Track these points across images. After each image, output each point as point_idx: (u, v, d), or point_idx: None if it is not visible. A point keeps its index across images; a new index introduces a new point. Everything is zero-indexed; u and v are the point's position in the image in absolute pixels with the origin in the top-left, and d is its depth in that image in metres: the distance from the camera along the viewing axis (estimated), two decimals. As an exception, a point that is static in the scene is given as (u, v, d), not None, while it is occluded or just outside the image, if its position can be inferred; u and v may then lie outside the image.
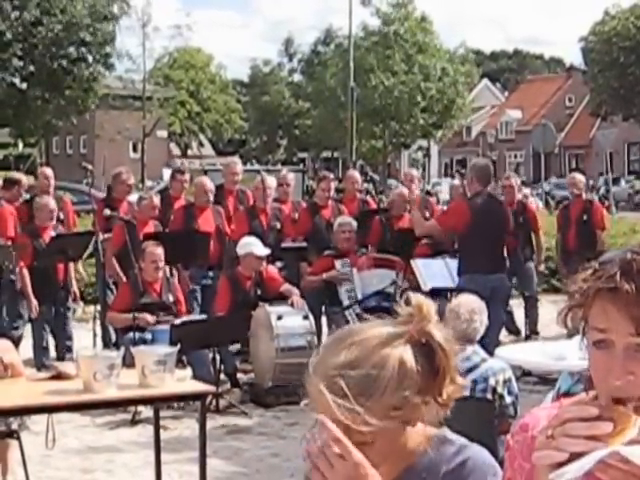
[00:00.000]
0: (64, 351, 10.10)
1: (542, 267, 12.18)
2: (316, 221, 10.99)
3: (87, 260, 11.59)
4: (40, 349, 10.12)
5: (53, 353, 10.30)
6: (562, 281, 13.32)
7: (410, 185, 11.66)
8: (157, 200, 10.67)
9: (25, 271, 9.99)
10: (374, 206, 12.12)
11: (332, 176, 11.93)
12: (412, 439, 1.99)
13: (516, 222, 10.72)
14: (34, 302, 9.92)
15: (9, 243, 10.50)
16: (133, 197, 11.38)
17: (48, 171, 11.48)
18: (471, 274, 8.75)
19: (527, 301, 12.01)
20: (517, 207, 11.59)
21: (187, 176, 11.52)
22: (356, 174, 12.64)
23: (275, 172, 15.03)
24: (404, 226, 10.78)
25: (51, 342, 10.33)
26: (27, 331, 10.65)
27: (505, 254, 9.61)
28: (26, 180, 11.11)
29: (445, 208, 11.98)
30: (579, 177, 12.31)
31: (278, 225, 10.78)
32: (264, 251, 9.60)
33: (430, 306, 1.93)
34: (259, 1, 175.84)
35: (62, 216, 11.08)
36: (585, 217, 11.62)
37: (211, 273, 10.58)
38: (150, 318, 8.89)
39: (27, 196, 11.32)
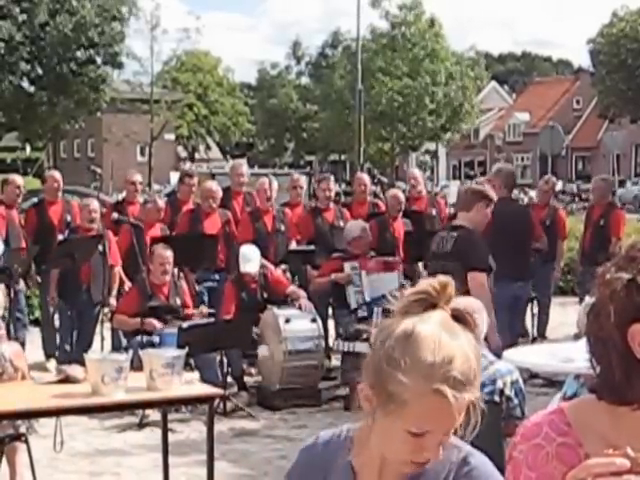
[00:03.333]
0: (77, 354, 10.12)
1: (558, 275, 12.16)
2: (318, 224, 10.93)
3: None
4: (63, 339, 10.24)
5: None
6: (577, 281, 13.27)
7: (415, 184, 11.67)
8: (162, 203, 10.66)
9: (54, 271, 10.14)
10: (384, 209, 12.09)
11: (332, 178, 11.89)
12: None
13: (543, 225, 10.75)
14: (53, 294, 10.13)
15: (23, 246, 10.55)
16: (140, 200, 11.37)
17: (56, 174, 11.42)
18: (494, 281, 8.61)
19: (539, 304, 11.87)
20: (548, 211, 11.62)
21: (195, 180, 11.48)
22: (365, 177, 12.48)
23: (283, 176, 14.97)
24: (400, 228, 10.80)
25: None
26: (30, 336, 10.68)
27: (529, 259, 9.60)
28: (15, 178, 10.99)
29: (452, 210, 11.97)
30: (601, 181, 12.22)
31: (283, 227, 10.74)
32: (253, 268, 9.54)
33: (452, 284, 1.93)
34: (266, 4, 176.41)
35: (69, 218, 11.06)
36: (602, 222, 11.55)
37: (217, 276, 10.57)
38: (157, 324, 8.89)
39: (34, 199, 11.33)
